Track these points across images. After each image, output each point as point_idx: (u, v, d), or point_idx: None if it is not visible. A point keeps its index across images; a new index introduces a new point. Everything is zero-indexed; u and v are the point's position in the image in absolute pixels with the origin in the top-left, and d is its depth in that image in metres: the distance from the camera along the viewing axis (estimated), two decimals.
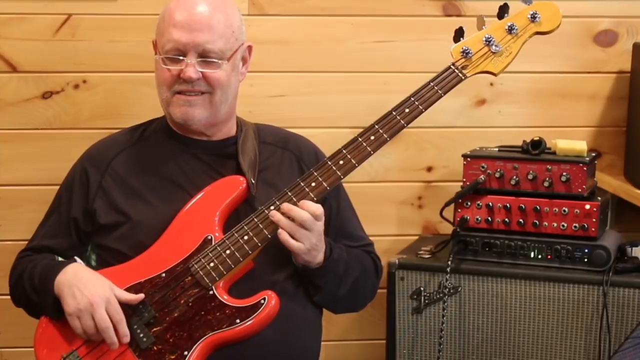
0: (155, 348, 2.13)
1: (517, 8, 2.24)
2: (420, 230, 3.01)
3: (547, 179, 2.63)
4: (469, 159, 2.70)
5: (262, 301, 2.12)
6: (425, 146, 2.97)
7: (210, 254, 2.15)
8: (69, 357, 2.15)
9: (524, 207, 2.64)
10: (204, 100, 2.25)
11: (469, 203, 2.68)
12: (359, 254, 2.37)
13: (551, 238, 2.62)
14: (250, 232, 2.14)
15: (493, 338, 2.62)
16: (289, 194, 2.15)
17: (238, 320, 2.11)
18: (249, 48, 2.36)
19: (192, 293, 2.14)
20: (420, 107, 2.18)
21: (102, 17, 2.82)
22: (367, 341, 3.01)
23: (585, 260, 2.60)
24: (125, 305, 2.13)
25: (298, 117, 2.88)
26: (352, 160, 2.16)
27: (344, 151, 2.17)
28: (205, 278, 2.14)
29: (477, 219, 2.68)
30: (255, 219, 2.15)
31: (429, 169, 2.99)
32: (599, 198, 2.67)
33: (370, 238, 2.47)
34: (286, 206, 2.13)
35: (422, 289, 2.66)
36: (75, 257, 2.26)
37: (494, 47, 2.20)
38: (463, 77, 2.20)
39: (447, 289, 2.63)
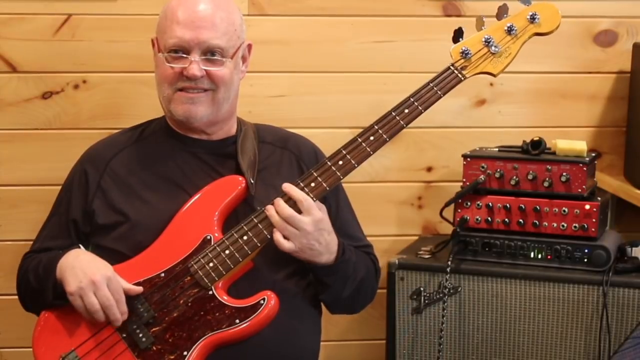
0: (154, 348, 2.13)
1: (517, 9, 2.24)
2: (420, 230, 3.01)
3: (547, 179, 2.63)
4: (468, 159, 2.70)
5: (262, 301, 2.12)
6: (425, 146, 2.97)
7: (209, 254, 2.15)
8: (68, 357, 2.15)
9: (523, 207, 2.64)
10: (207, 98, 2.25)
11: (468, 203, 2.68)
12: (364, 255, 2.37)
13: (551, 238, 2.62)
14: (249, 233, 2.14)
15: (493, 338, 2.62)
16: None
17: (237, 321, 2.11)
18: (249, 47, 2.36)
19: (192, 293, 2.14)
20: (420, 107, 2.18)
21: (102, 17, 2.82)
22: (367, 341, 3.01)
23: (585, 260, 2.60)
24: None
25: (298, 117, 2.88)
26: (352, 161, 2.16)
27: (344, 151, 2.17)
28: (205, 278, 2.14)
29: (477, 219, 2.68)
30: (255, 220, 2.15)
31: (429, 169, 2.99)
32: (599, 198, 2.67)
33: (370, 238, 2.48)
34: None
35: (422, 289, 2.66)
36: (79, 245, 2.27)
37: (493, 47, 2.20)
38: (462, 78, 2.20)
39: (447, 289, 2.63)
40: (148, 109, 2.58)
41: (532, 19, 2.22)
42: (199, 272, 2.14)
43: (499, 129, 2.97)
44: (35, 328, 2.21)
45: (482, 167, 2.68)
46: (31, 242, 2.38)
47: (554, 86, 2.98)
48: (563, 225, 2.61)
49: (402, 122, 2.17)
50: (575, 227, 2.61)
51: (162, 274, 2.16)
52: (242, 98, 2.40)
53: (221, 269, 2.14)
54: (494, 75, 2.23)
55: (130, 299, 2.14)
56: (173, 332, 2.13)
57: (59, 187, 2.40)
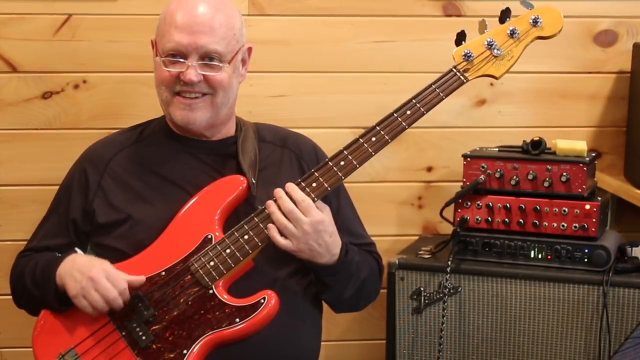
0: (154, 347, 2.12)
1: (519, 12, 2.24)
2: (420, 230, 3.01)
3: (547, 179, 2.63)
4: (469, 159, 2.70)
5: (262, 300, 2.12)
6: (425, 146, 2.97)
7: (210, 252, 2.15)
8: (67, 355, 2.15)
9: (524, 207, 2.64)
10: (205, 103, 2.25)
11: (469, 203, 2.68)
12: (367, 255, 2.37)
13: (551, 238, 2.63)
14: (250, 232, 2.14)
15: (493, 338, 2.62)
16: None
17: (237, 320, 2.11)
18: (249, 50, 2.35)
19: (192, 292, 2.14)
20: (422, 109, 2.18)
21: (102, 17, 2.82)
22: (367, 341, 3.01)
23: (585, 260, 2.60)
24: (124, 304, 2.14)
25: (298, 117, 2.88)
26: (354, 162, 2.16)
27: (345, 152, 2.17)
28: (205, 277, 2.14)
29: (477, 219, 2.68)
30: (256, 219, 2.15)
31: (429, 169, 2.99)
32: (599, 198, 2.67)
33: (371, 238, 2.47)
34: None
35: (422, 289, 2.66)
36: (76, 249, 2.27)
37: (495, 50, 2.20)
38: (465, 80, 2.20)
39: (447, 289, 2.63)
40: (148, 109, 2.58)
41: (535, 22, 2.22)
42: (200, 270, 2.14)
43: (499, 129, 2.97)
44: (35, 327, 2.21)
45: (482, 167, 2.68)
46: None
47: (554, 86, 2.98)
48: (563, 225, 2.61)
49: (404, 123, 2.17)
50: (575, 227, 2.61)
51: (163, 273, 2.16)
52: (242, 98, 2.40)
53: (222, 268, 2.14)
54: (496, 78, 2.23)
55: (130, 297, 2.14)
56: (173, 330, 2.13)
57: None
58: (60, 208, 2.34)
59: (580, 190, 2.61)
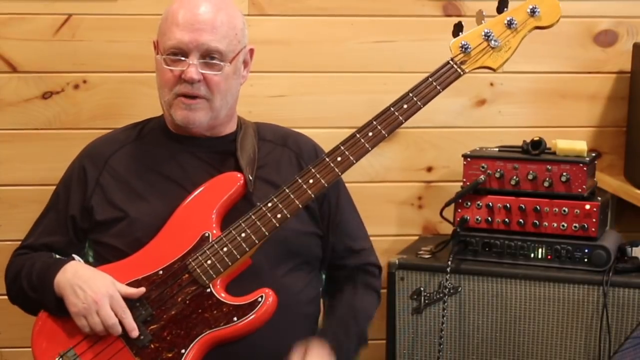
0: (152, 346, 2.12)
1: (517, 2, 2.23)
2: (420, 230, 3.01)
3: (547, 179, 2.63)
4: (469, 159, 2.70)
5: (260, 299, 2.11)
6: (425, 146, 2.97)
7: (207, 251, 2.14)
8: (66, 355, 2.15)
9: (524, 207, 2.64)
10: (205, 105, 2.24)
11: (469, 203, 2.68)
12: (361, 307, 2.35)
13: (551, 238, 2.63)
14: (247, 230, 2.13)
15: (493, 338, 2.62)
16: (287, 191, 2.14)
17: (235, 319, 2.11)
18: (251, 51, 2.35)
19: (190, 291, 2.13)
20: (419, 102, 2.16)
21: (102, 17, 2.83)
22: (368, 341, 3.01)
23: (585, 260, 2.60)
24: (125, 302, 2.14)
25: (298, 117, 2.88)
26: (350, 157, 2.15)
27: (342, 147, 2.15)
28: (203, 276, 2.13)
29: (477, 219, 2.68)
30: (253, 216, 2.14)
31: (429, 169, 2.99)
32: (599, 198, 2.67)
33: (370, 238, 2.46)
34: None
35: (422, 289, 2.66)
36: (74, 255, 2.26)
37: (492, 41, 2.18)
38: (462, 73, 2.18)
39: (447, 289, 2.63)
40: (148, 109, 2.57)
41: (533, 12, 2.20)
42: (197, 269, 2.13)
43: (499, 129, 2.97)
44: (34, 327, 2.20)
45: (482, 167, 2.68)
46: None
47: (554, 86, 2.98)
48: (563, 225, 2.61)
49: (400, 117, 2.15)
50: (575, 227, 2.61)
51: (161, 272, 2.15)
52: (242, 98, 2.40)
53: (219, 267, 2.13)
54: (494, 70, 2.20)
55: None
56: (171, 329, 2.12)
57: None
58: (59, 204, 2.34)
59: (580, 190, 2.61)
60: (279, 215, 2.13)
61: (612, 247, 2.62)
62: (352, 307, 2.33)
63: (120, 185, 2.29)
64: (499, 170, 2.66)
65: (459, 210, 2.70)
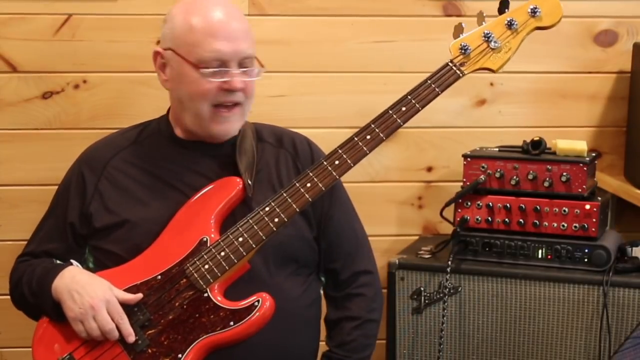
0: (149, 351, 2.12)
1: (518, 3, 2.22)
2: (420, 230, 3.01)
3: (547, 179, 2.63)
4: (469, 159, 2.70)
5: (256, 303, 2.11)
6: (425, 146, 2.97)
7: (205, 256, 2.13)
8: None
9: (524, 207, 2.64)
10: (239, 112, 2.24)
11: (469, 203, 2.68)
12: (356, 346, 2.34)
13: (551, 238, 2.63)
14: (245, 234, 2.13)
15: (493, 338, 2.62)
16: (285, 195, 2.13)
17: (232, 323, 2.10)
18: None
19: (187, 295, 2.13)
20: (417, 105, 2.14)
21: (102, 17, 2.83)
22: None
23: (585, 260, 2.60)
24: (121, 307, 2.13)
25: (298, 117, 2.88)
26: (348, 160, 2.14)
27: (340, 151, 2.15)
28: (200, 280, 2.12)
29: (477, 219, 2.68)
30: (251, 221, 2.13)
31: (429, 169, 2.99)
32: (599, 198, 2.67)
33: (370, 238, 2.44)
34: None
35: (422, 289, 2.66)
36: (72, 261, 2.26)
37: (492, 43, 2.17)
38: (461, 75, 2.16)
39: (447, 289, 2.63)
40: (148, 109, 2.58)
41: (533, 12, 2.18)
42: (195, 274, 2.13)
43: (499, 129, 2.97)
44: (35, 333, 2.21)
45: (483, 167, 2.68)
46: None
47: (554, 86, 2.98)
48: (563, 225, 2.61)
49: (399, 120, 2.14)
50: (575, 227, 2.61)
51: (159, 277, 2.15)
52: None
53: (216, 271, 2.12)
54: (494, 71, 2.18)
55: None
56: (168, 334, 2.12)
57: None
58: (58, 211, 2.33)
59: (580, 190, 2.61)
60: (276, 220, 2.13)
61: (612, 247, 2.62)
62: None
63: (119, 190, 2.28)
64: (499, 170, 2.66)
65: (459, 210, 2.70)
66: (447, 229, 2.78)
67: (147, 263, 2.18)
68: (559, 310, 2.57)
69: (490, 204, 2.67)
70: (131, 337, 2.11)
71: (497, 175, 2.66)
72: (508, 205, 2.65)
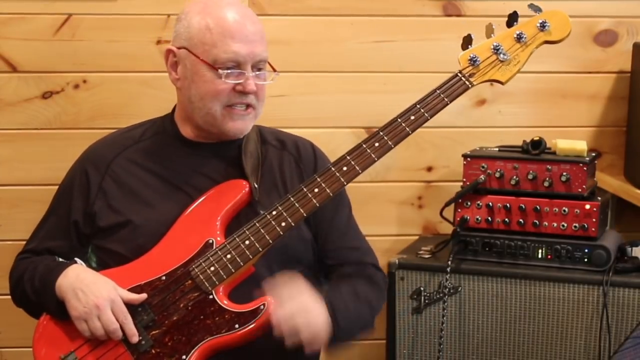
0: (153, 351, 2.12)
1: (526, 15, 2.23)
2: (420, 230, 3.01)
3: (547, 179, 2.63)
4: (469, 159, 2.70)
5: (262, 307, 2.10)
6: (425, 146, 2.97)
7: (210, 257, 2.13)
8: (67, 358, 2.15)
9: (524, 207, 2.64)
10: (253, 114, 2.24)
11: (469, 203, 2.69)
12: (362, 290, 2.29)
13: (551, 238, 2.63)
14: (251, 237, 2.13)
15: (493, 338, 2.62)
16: (292, 199, 2.14)
17: (237, 326, 2.10)
18: None
19: (192, 297, 2.13)
20: (426, 114, 2.16)
21: (102, 17, 2.82)
22: (368, 341, 3.00)
23: (585, 260, 2.60)
24: (126, 307, 2.13)
25: (298, 117, 2.89)
26: (356, 167, 2.14)
27: (348, 157, 2.15)
28: (205, 282, 2.12)
29: (477, 219, 2.68)
30: (257, 224, 2.13)
31: (429, 169, 2.99)
32: (599, 198, 2.67)
33: (370, 238, 2.44)
34: None
35: (422, 289, 2.66)
36: (76, 259, 2.26)
37: (502, 55, 2.18)
38: (470, 85, 2.18)
39: (447, 289, 2.63)
40: (148, 109, 2.58)
41: (542, 26, 2.20)
42: (200, 276, 2.13)
43: (499, 129, 2.97)
44: (36, 330, 2.20)
45: (482, 167, 2.68)
46: None
47: (554, 86, 2.98)
48: (563, 225, 2.62)
49: (407, 129, 2.16)
50: (575, 227, 2.61)
51: (164, 277, 2.15)
52: None
53: (222, 273, 2.12)
54: (502, 83, 2.20)
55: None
56: (172, 335, 2.12)
57: None
58: (61, 209, 2.32)
59: (580, 190, 2.62)
60: (283, 224, 2.13)
61: (612, 247, 2.62)
62: (352, 288, 2.27)
63: (123, 190, 2.27)
64: (499, 170, 2.66)
65: (459, 210, 2.70)
66: (447, 229, 2.78)
67: (151, 263, 2.17)
68: (559, 310, 2.57)
69: (490, 203, 2.67)
70: (135, 338, 2.11)
71: (497, 175, 2.66)
72: (508, 205, 2.65)
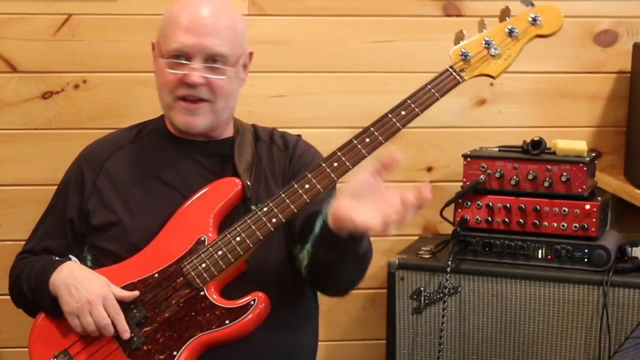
0: (145, 348, 2.13)
1: (519, 10, 2.23)
2: (420, 230, 3.01)
3: (547, 179, 2.63)
4: (469, 159, 2.70)
5: (252, 302, 2.11)
6: (425, 146, 2.97)
7: (202, 254, 2.14)
8: (60, 356, 2.16)
9: (524, 207, 2.64)
10: (206, 109, 2.23)
11: (469, 203, 2.68)
12: None
13: (551, 238, 2.62)
14: (242, 234, 2.13)
15: (493, 338, 2.62)
16: (283, 196, 2.13)
17: (227, 321, 2.11)
18: (250, 54, 2.34)
19: (183, 294, 2.13)
20: (417, 109, 2.14)
21: (102, 17, 2.83)
22: (368, 341, 3.01)
23: (585, 260, 2.60)
24: (118, 303, 2.14)
25: (298, 117, 2.89)
26: (347, 163, 2.13)
27: (339, 153, 2.14)
28: (197, 279, 2.13)
29: (477, 219, 2.68)
30: (249, 221, 2.13)
31: (429, 169, 2.99)
32: (599, 198, 2.67)
33: (370, 238, 2.45)
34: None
35: (422, 289, 2.66)
36: (71, 256, 2.27)
37: (493, 50, 2.18)
38: (461, 80, 2.17)
39: (447, 289, 2.63)
40: (148, 109, 2.57)
41: (534, 20, 2.20)
42: (191, 272, 2.13)
43: (499, 129, 2.97)
44: (32, 329, 2.22)
45: (482, 167, 2.68)
46: None
47: (554, 86, 2.98)
48: (563, 225, 2.62)
49: (398, 124, 2.14)
50: (575, 227, 2.61)
51: (156, 275, 2.15)
52: (242, 98, 2.40)
53: (213, 270, 2.13)
54: (493, 77, 2.20)
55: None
56: (164, 332, 2.12)
57: None
58: (57, 208, 2.34)
59: (580, 190, 2.61)
60: (274, 220, 2.12)
61: (612, 247, 2.62)
62: None
63: (117, 188, 2.29)
64: (499, 170, 2.66)
65: (459, 210, 2.70)
66: (447, 229, 2.78)
67: (144, 261, 2.18)
68: (559, 310, 2.57)
69: (490, 204, 2.67)
70: (126, 334, 2.12)
71: (497, 175, 2.66)
72: (508, 205, 2.65)
